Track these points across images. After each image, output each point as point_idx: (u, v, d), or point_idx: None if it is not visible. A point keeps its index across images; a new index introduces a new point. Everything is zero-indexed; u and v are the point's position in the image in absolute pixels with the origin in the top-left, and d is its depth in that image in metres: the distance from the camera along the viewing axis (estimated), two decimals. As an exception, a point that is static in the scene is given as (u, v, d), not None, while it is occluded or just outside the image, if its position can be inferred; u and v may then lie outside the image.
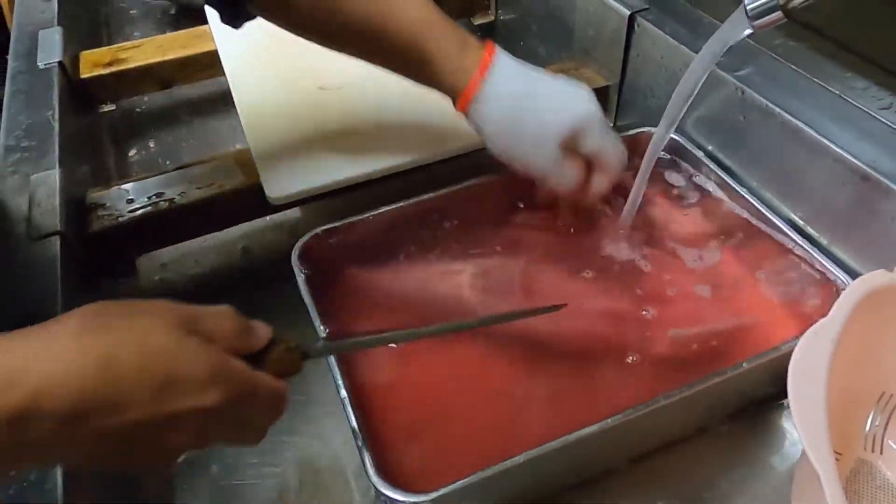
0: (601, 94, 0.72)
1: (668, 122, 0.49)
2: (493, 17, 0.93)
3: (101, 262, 0.59)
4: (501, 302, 0.56)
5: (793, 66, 0.57)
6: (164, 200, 0.60)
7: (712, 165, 0.58)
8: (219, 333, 0.34)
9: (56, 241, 0.53)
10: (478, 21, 0.93)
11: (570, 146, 0.51)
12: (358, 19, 0.50)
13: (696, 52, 0.58)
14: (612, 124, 0.73)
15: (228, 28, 0.63)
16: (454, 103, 0.53)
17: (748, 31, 0.42)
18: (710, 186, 0.59)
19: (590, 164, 0.53)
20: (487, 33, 0.95)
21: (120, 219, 0.58)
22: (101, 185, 0.62)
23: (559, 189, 0.54)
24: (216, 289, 0.64)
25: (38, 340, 0.30)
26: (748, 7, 0.41)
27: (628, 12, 0.65)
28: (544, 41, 0.83)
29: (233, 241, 0.67)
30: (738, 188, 0.56)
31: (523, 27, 0.87)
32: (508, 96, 0.50)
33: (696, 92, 0.47)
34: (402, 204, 0.58)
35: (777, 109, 0.53)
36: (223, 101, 0.80)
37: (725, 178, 0.57)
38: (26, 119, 0.66)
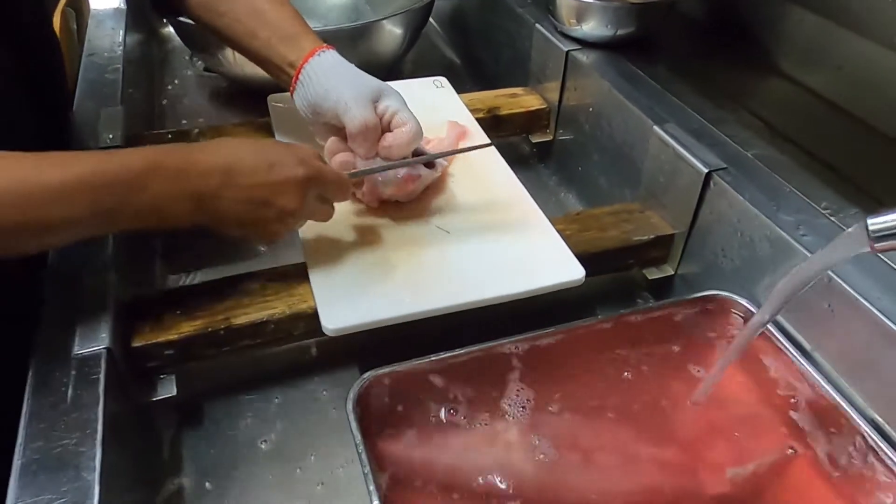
0: (667, 242, 0.70)
1: (769, 312, 0.47)
2: (551, 137, 0.93)
3: (141, 375, 0.57)
4: (557, 460, 0.54)
5: (884, 258, 0.55)
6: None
7: (791, 349, 0.56)
8: (305, 149, 0.57)
9: (102, 356, 0.51)
10: (536, 139, 0.93)
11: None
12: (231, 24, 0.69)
13: (777, 225, 0.59)
14: (673, 272, 0.71)
15: (289, 126, 0.78)
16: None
17: (866, 250, 0.40)
18: (787, 369, 0.56)
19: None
20: (544, 151, 0.95)
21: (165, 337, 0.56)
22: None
23: (354, 128, 0.62)
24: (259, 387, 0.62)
25: (206, 142, 0.55)
26: (870, 228, 0.39)
27: (706, 170, 0.64)
28: (607, 174, 0.82)
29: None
30: (816, 375, 0.54)
31: (582, 153, 0.87)
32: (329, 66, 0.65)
33: (803, 290, 0.45)
34: (470, 351, 0.56)
35: (865, 303, 0.51)
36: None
37: (804, 364, 0.55)
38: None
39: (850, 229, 0.41)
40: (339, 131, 0.65)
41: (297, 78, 0.66)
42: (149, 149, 0.50)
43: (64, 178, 0.45)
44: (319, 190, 0.57)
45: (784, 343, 0.56)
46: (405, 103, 0.66)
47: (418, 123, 0.64)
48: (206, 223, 0.53)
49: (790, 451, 0.53)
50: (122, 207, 0.48)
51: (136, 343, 0.55)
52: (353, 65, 0.67)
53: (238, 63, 0.97)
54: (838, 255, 0.42)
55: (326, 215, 0.60)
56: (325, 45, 0.67)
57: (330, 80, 0.64)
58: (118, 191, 0.47)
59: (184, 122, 1.00)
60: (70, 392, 0.48)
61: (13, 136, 0.59)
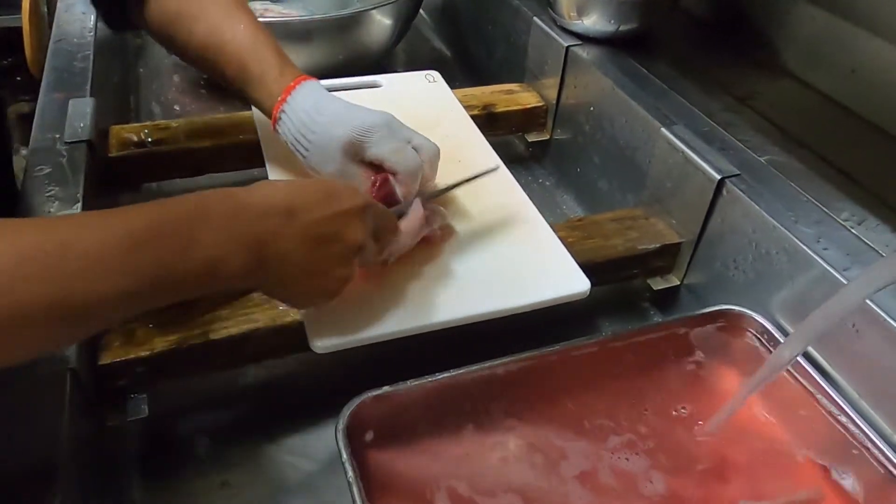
0: (673, 251, 0.67)
1: (799, 345, 0.44)
2: (547, 136, 0.88)
3: (108, 396, 0.52)
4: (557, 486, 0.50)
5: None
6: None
7: (810, 369, 0.52)
8: None
9: (65, 377, 0.46)
10: (532, 138, 0.89)
11: (356, 155, 0.57)
12: (200, 41, 0.59)
13: (796, 237, 0.55)
14: (679, 282, 0.68)
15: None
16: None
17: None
18: (808, 395, 0.52)
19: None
20: (540, 151, 0.91)
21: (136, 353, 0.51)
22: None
23: (404, 166, 0.56)
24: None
25: (244, 187, 0.44)
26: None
27: (719, 177, 0.60)
28: (607, 177, 0.79)
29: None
30: (840, 401, 0.50)
31: (581, 154, 0.83)
32: (301, 111, 0.57)
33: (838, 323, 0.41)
34: (459, 372, 0.52)
35: (894, 324, 0.48)
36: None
37: (824, 385, 0.51)
38: (49, 205, 0.59)
39: (893, 253, 0.37)
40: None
41: (277, 112, 0.58)
42: (189, 197, 0.41)
43: (103, 240, 0.36)
44: (375, 221, 0.50)
45: (805, 365, 0.52)
46: (393, 133, 0.57)
47: (411, 152, 0.57)
48: (264, 280, 0.45)
49: (814, 488, 0.50)
50: (171, 271, 0.38)
51: (104, 361, 0.50)
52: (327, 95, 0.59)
53: (218, 52, 0.91)
54: (885, 280, 0.38)
55: (377, 256, 0.52)
56: (288, 84, 0.58)
57: (305, 150, 0.57)
58: (167, 248, 0.38)
59: (157, 109, 0.95)
60: (28, 419, 0.43)
61: None
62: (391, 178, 0.56)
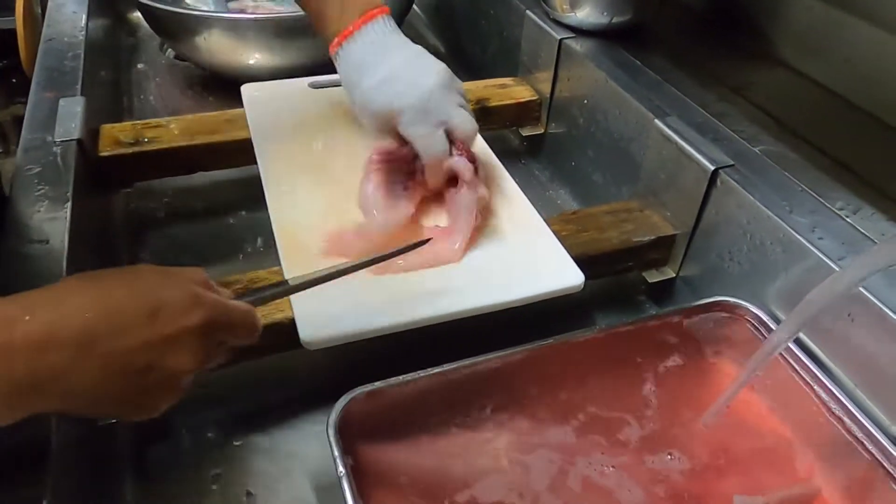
0: (668, 243, 0.66)
1: (793, 329, 0.43)
2: (542, 130, 0.88)
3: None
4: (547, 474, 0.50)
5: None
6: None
7: (805, 359, 0.52)
8: (192, 277, 0.41)
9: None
10: (526, 133, 0.88)
11: (391, 128, 0.59)
12: None
13: (791, 227, 0.55)
14: (674, 274, 0.67)
15: (265, 117, 0.69)
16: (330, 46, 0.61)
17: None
18: (801, 383, 0.52)
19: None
20: (535, 145, 0.90)
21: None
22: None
23: (428, 155, 0.59)
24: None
25: (41, 291, 0.35)
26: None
27: (712, 168, 0.60)
28: (602, 170, 0.78)
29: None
30: (835, 391, 0.50)
31: (575, 147, 0.82)
32: (351, 66, 0.60)
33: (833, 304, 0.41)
34: (451, 368, 0.51)
35: (889, 312, 0.47)
36: (252, 188, 0.72)
37: (819, 375, 0.51)
38: (38, 204, 0.59)
39: (889, 238, 0.37)
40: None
41: (336, 47, 0.60)
42: None
43: None
44: (222, 336, 0.41)
45: (799, 355, 0.52)
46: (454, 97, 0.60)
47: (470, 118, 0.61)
48: (52, 410, 0.36)
49: (809, 482, 0.49)
50: None
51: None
52: (408, 41, 0.61)
53: (210, 50, 0.91)
54: (877, 265, 0.38)
55: (224, 359, 0.43)
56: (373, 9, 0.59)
57: (384, 83, 0.58)
58: None
59: (149, 108, 0.95)
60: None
61: None
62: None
